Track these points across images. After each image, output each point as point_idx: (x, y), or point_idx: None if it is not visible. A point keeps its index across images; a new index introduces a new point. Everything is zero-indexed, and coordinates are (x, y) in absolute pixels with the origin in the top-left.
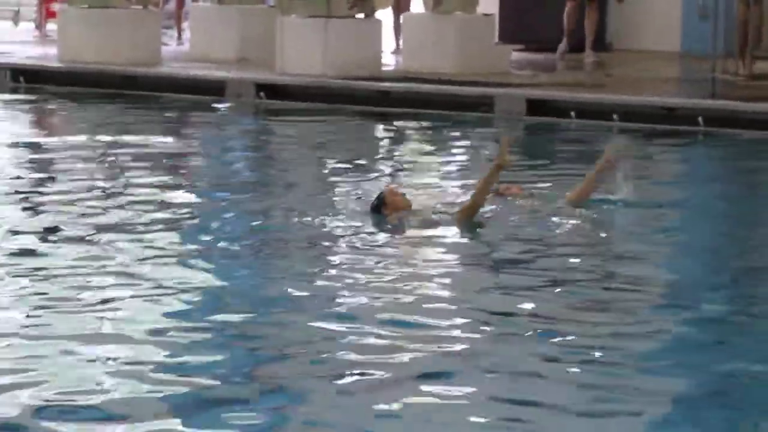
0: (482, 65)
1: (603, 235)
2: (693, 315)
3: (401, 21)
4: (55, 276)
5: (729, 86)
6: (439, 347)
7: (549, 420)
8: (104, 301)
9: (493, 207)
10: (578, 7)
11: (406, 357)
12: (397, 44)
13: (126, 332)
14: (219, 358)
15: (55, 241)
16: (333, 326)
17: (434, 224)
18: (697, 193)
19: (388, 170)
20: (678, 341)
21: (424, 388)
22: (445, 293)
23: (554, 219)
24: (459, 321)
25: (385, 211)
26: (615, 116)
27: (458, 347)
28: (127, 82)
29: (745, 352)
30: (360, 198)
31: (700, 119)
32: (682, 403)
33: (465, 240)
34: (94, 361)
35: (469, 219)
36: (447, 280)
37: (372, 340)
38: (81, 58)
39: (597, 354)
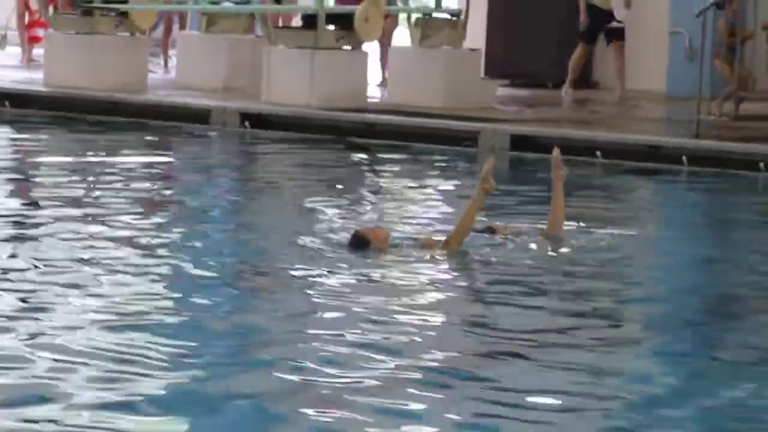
0: (468, 100)
1: (578, 269)
2: (661, 351)
3: (388, 54)
4: (28, 303)
5: (714, 127)
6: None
7: None
8: (75, 328)
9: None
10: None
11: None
12: (383, 76)
13: (103, 357)
14: (194, 386)
15: (27, 268)
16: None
17: (418, 254)
18: (677, 229)
19: (370, 202)
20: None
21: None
22: (432, 321)
23: (526, 254)
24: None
25: (372, 246)
26: (598, 153)
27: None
28: (113, 108)
29: (716, 388)
30: (341, 229)
31: (684, 158)
32: None
33: (448, 271)
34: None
35: (458, 244)
36: (432, 310)
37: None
38: (67, 83)
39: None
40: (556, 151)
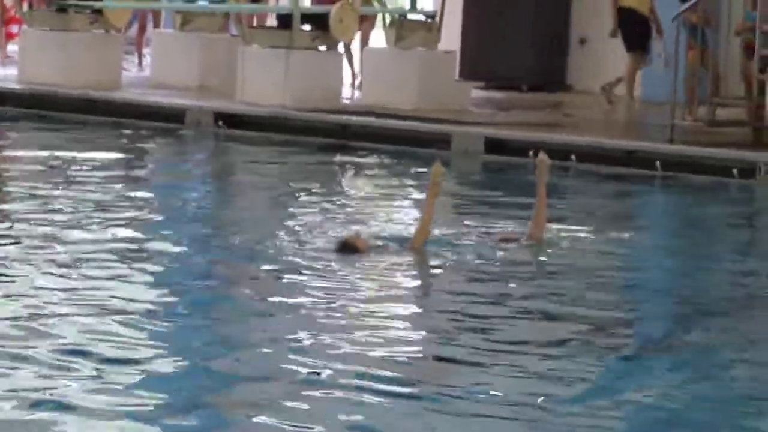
0: (442, 101)
1: (552, 271)
2: (636, 356)
3: (362, 55)
4: None
5: (688, 132)
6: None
7: None
8: (52, 335)
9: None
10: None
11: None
12: (352, 74)
13: (79, 367)
14: (180, 395)
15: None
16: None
17: (393, 254)
18: (650, 234)
19: (343, 203)
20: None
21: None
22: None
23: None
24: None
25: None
26: (573, 157)
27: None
28: (86, 105)
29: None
30: (315, 230)
31: (657, 163)
32: None
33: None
34: None
35: (421, 245)
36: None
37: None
38: (41, 80)
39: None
40: (543, 156)
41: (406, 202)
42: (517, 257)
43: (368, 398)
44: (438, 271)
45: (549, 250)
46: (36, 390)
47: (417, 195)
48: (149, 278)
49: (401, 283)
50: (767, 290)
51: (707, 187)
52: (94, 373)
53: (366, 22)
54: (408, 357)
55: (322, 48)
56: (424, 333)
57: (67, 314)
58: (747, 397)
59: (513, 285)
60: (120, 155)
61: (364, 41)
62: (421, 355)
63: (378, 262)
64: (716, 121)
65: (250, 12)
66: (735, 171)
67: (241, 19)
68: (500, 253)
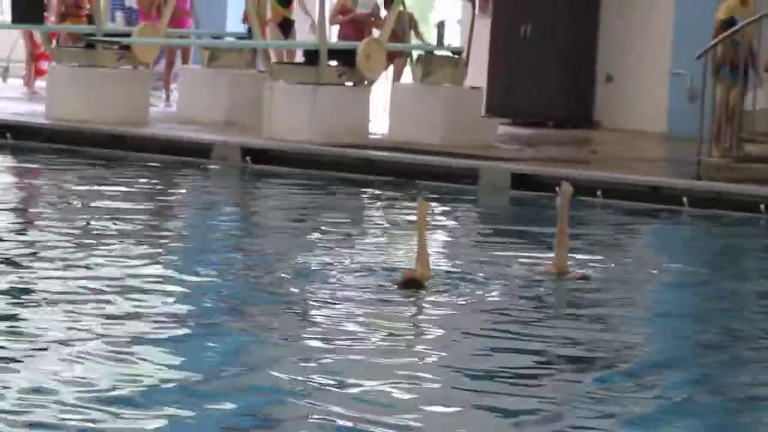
0: (469, 138)
1: (580, 305)
2: (657, 391)
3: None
4: (22, 333)
5: (715, 168)
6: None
7: None
8: (75, 361)
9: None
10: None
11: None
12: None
13: (105, 404)
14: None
15: (26, 301)
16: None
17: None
18: (677, 270)
19: (370, 237)
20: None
21: None
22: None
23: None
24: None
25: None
26: (599, 193)
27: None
28: (114, 141)
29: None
30: (343, 265)
31: (684, 199)
32: None
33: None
34: None
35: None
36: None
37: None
38: (68, 116)
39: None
40: (567, 185)
41: (433, 237)
42: (539, 291)
43: None
44: (462, 304)
45: (576, 286)
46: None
47: (443, 230)
48: (174, 312)
49: (428, 318)
50: None
51: (735, 223)
52: (109, 411)
53: (400, 57)
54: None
55: (349, 84)
56: (446, 372)
57: (86, 351)
58: None
59: (539, 321)
60: (146, 189)
61: (398, 76)
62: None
63: (406, 297)
64: (743, 157)
65: (277, 48)
66: (762, 206)
67: (268, 54)
68: (525, 287)
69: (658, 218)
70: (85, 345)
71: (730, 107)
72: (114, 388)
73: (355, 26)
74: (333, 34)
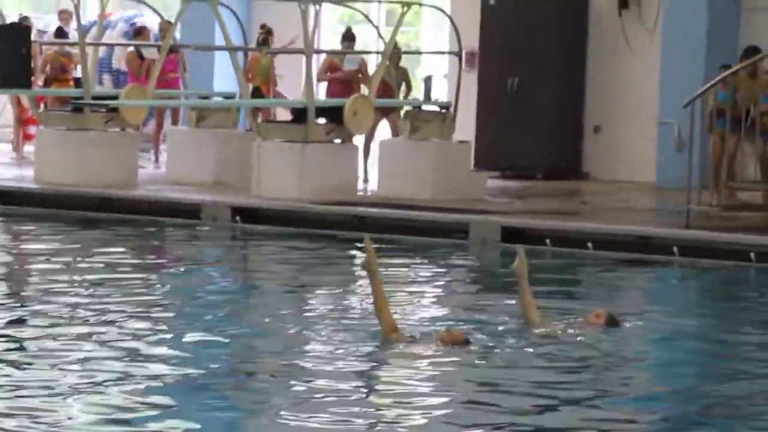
0: (458, 192)
1: (561, 364)
2: None
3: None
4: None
5: (704, 217)
6: None
7: None
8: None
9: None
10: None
11: None
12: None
13: None
14: None
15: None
16: None
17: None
18: (669, 320)
19: (359, 295)
20: None
21: None
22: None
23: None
24: None
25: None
26: (589, 244)
27: None
28: (103, 204)
29: None
30: (336, 324)
31: (675, 249)
32: None
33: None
34: None
35: (393, 331)
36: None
37: None
38: (57, 179)
39: None
40: (520, 249)
41: (426, 293)
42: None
43: None
44: (465, 358)
45: (566, 340)
46: None
47: (436, 285)
48: (168, 377)
49: (425, 373)
50: None
51: (725, 272)
52: None
53: (394, 112)
54: None
55: (338, 141)
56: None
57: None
58: None
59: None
60: (135, 251)
61: (394, 132)
62: None
63: (401, 354)
64: (732, 206)
65: (264, 106)
66: (752, 255)
67: (255, 114)
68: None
69: (649, 268)
70: (79, 411)
71: (728, 156)
72: None
73: (343, 83)
74: (321, 91)
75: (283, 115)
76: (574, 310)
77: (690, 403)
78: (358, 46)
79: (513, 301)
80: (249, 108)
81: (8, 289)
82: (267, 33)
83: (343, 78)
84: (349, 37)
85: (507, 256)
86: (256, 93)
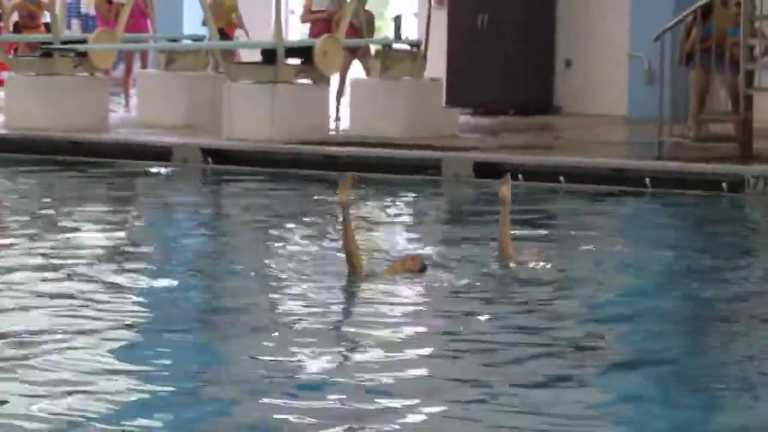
0: (430, 129)
1: (546, 289)
2: (631, 372)
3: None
4: None
5: (675, 148)
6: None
7: None
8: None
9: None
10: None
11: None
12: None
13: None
14: None
15: None
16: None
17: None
18: (643, 250)
19: (332, 233)
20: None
21: None
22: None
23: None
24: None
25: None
26: (561, 178)
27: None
28: (75, 148)
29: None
30: (309, 261)
31: (647, 180)
32: None
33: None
34: None
35: (359, 267)
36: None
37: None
38: (28, 125)
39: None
40: (506, 178)
41: (398, 229)
42: (509, 276)
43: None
44: (436, 293)
45: (541, 269)
46: None
47: (408, 222)
48: (141, 318)
49: (395, 308)
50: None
51: (698, 203)
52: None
53: (365, 54)
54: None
55: (308, 81)
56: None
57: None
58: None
59: (509, 305)
60: (107, 194)
61: (367, 72)
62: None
63: (373, 288)
64: (704, 137)
65: (234, 48)
66: (724, 185)
67: (225, 55)
68: (496, 272)
69: (622, 200)
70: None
71: (702, 89)
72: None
73: (327, 23)
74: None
75: (249, 56)
76: (544, 244)
77: (661, 322)
78: None
79: (479, 235)
80: (219, 50)
81: None
82: None
83: (326, 18)
84: None
85: (479, 191)
86: (220, 35)
